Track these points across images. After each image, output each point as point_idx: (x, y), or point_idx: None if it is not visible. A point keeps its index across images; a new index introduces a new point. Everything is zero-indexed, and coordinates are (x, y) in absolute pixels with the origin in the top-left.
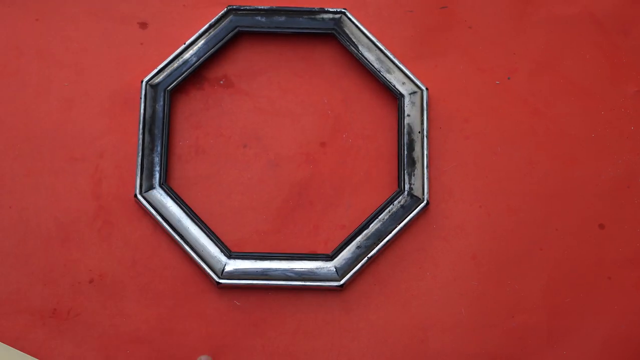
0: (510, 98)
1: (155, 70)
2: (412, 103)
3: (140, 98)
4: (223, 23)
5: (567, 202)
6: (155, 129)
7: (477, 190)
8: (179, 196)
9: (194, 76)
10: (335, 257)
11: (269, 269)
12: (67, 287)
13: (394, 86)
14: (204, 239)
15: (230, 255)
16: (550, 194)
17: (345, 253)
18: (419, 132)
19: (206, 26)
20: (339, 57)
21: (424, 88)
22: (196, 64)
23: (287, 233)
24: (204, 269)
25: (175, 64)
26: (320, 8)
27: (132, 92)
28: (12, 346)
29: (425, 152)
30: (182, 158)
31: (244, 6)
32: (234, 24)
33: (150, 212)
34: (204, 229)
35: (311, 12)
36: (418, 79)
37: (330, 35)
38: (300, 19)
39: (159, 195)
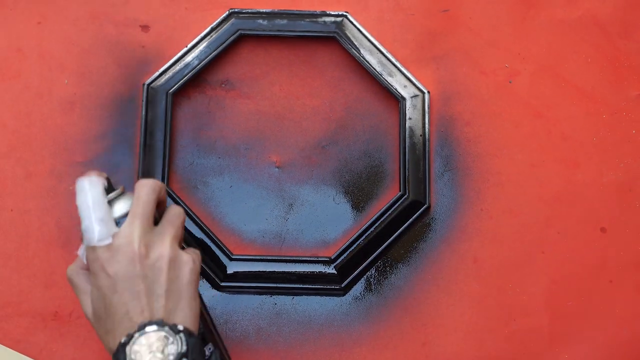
0: (511, 101)
1: (157, 73)
2: (414, 106)
3: (142, 101)
4: (225, 26)
5: (568, 205)
6: (156, 131)
7: (478, 193)
8: (180, 199)
9: (196, 79)
10: (337, 260)
11: (270, 271)
12: (68, 290)
13: (396, 89)
14: (205, 241)
15: (231, 257)
16: (552, 197)
17: (347, 256)
18: (421, 135)
19: (208, 29)
20: (341, 60)
21: (425, 91)
22: (198, 66)
23: (288, 236)
24: (205, 271)
25: (177, 67)
26: (322, 11)
27: (133, 95)
28: (13, 349)
29: (426, 155)
30: (183, 161)
31: (245, 9)
32: (235, 27)
33: None
34: (205, 231)
35: (313, 15)
36: (420, 82)
37: (332, 39)
38: (302, 22)
39: None
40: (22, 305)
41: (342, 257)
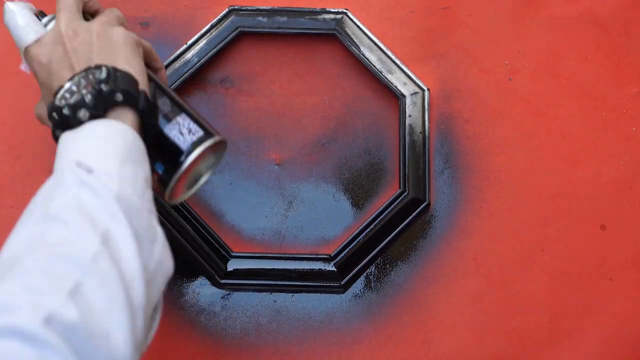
0: (511, 99)
1: None
2: (414, 103)
3: None
4: (225, 23)
5: (568, 203)
6: None
7: (478, 190)
8: None
9: (196, 76)
10: (337, 257)
11: (270, 269)
12: None
13: (396, 86)
14: (205, 239)
15: (231, 255)
16: (552, 194)
17: (347, 254)
18: (420, 133)
19: (208, 26)
20: (341, 58)
21: (425, 88)
22: (198, 64)
23: (288, 233)
24: (205, 268)
25: (177, 64)
26: (322, 8)
27: None
28: None
29: (426, 153)
30: None
31: (245, 6)
32: (235, 24)
33: None
34: (205, 229)
35: (313, 12)
36: (419, 79)
37: (332, 36)
38: (302, 19)
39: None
40: None
41: (342, 255)
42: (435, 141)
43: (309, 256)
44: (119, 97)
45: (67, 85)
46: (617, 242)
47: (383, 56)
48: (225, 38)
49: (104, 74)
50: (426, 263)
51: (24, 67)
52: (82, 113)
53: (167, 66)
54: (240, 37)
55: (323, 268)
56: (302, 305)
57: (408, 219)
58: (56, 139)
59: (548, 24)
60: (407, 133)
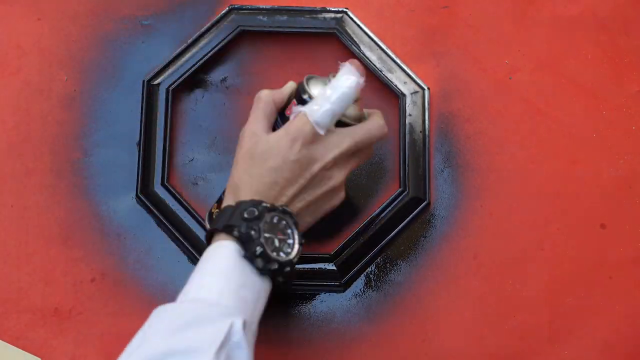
0: (511, 97)
1: (157, 70)
2: (414, 102)
3: (142, 97)
4: (225, 22)
5: (568, 201)
6: (156, 128)
7: (478, 189)
8: (180, 195)
9: (196, 75)
10: (337, 256)
11: None
12: (68, 286)
13: (396, 86)
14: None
15: None
16: (552, 193)
17: (347, 253)
18: (421, 132)
19: (208, 25)
20: (341, 57)
21: (425, 87)
22: (198, 63)
23: None
24: None
25: (177, 63)
26: (322, 7)
27: (133, 92)
28: (13, 345)
29: (426, 152)
30: (183, 157)
31: (245, 5)
32: (236, 23)
33: (152, 211)
34: (205, 228)
35: (313, 11)
36: (419, 78)
37: (332, 35)
38: (302, 18)
39: (160, 194)
40: (22, 302)
41: (342, 254)
42: (436, 140)
43: (309, 255)
44: (280, 280)
45: (278, 211)
46: (617, 240)
47: (383, 55)
48: (226, 37)
49: (296, 257)
50: (426, 262)
51: (296, 109)
52: (259, 263)
53: (167, 65)
54: (241, 36)
55: (323, 267)
56: (303, 304)
57: (408, 218)
58: (210, 235)
59: (548, 22)
60: (407, 132)
